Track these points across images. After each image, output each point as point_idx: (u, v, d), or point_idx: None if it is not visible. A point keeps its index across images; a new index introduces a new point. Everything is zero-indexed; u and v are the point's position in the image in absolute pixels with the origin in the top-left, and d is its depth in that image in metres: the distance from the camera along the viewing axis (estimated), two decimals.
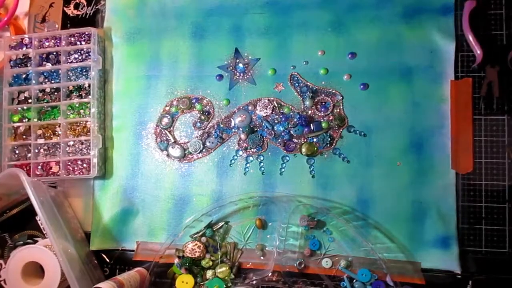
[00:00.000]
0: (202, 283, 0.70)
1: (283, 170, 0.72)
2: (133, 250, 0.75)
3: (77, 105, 0.76)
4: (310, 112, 0.72)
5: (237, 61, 0.75)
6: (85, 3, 0.81)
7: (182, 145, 0.75)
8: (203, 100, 0.75)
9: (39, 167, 0.75)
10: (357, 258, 0.68)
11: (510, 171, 0.67)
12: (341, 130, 0.71)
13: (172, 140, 0.76)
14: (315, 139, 0.71)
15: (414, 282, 0.66)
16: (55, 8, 0.82)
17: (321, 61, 0.72)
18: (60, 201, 0.75)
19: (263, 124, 0.73)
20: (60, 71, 0.76)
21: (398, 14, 0.71)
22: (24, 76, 0.78)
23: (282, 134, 0.72)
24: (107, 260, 0.76)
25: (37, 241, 0.75)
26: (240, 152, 0.73)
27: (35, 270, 0.71)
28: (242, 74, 0.75)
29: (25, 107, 0.77)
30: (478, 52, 0.67)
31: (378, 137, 0.70)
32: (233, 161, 0.73)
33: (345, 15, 0.72)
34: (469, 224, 0.67)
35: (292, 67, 0.73)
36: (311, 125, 0.72)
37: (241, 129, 0.73)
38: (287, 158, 0.72)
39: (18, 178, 0.67)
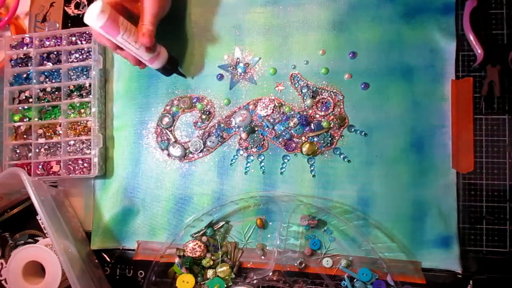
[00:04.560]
0: (202, 283, 0.70)
1: (283, 169, 0.72)
2: (133, 250, 0.75)
3: (77, 105, 0.76)
4: (310, 111, 0.72)
5: (238, 60, 0.75)
6: (85, 2, 0.81)
7: (183, 144, 0.75)
8: (204, 100, 0.75)
9: (40, 166, 0.75)
10: (357, 258, 0.68)
11: (511, 171, 0.67)
12: (341, 129, 0.71)
13: (173, 140, 0.76)
14: (315, 139, 0.71)
15: (414, 281, 0.66)
16: (55, 8, 0.82)
17: (322, 61, 0.72)
18: (61, 201, 0.75)
19: (264, 123, 0.73)
20: (60, 70, 0.76)
21: (399, 13, 0.71)
22: (24, 75, 0.78)
23: (283, 133, 0.72)
24: (108, 259, 0.76)
25: (37, 241, 0.75)
26: (241, 152, 0.73)
27: (36, 270, 0.71)
28: (242, 74, 0.75)
29: (25, 107, 0.77)
30: (479, 51, 0.67)
31: (379, 137, 0.70)
32: (233, 160, 0.73)
33: (346, 15, 0.72)
34: (469, 224, 0.67)
35: (292, 67, 0.73)
36: (312, 124, 0.72)
37: (241, 129, 0.73)
38: (288, 157, 0.72)
39: (18, 177, 0.67)
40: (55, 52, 0.77)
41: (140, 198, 0.75)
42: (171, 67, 0.72)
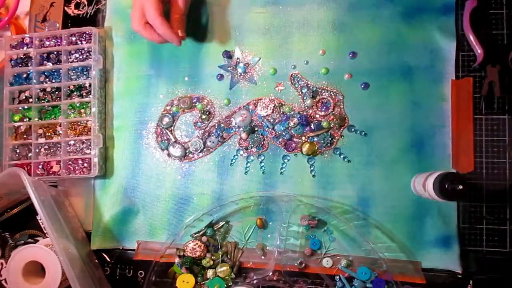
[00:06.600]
0: (202, 283, 0.70)
1: (283, 169, 0.72)
2: (133, 250, 0.75)
3: (78, 105, 0.76)
4: (310, 111, 0.72)
5: (238, 60, 0.75)
6: (86, 2, 0.81)
7: (183, 144, 0.75)
8: (204, 100, 0.75)
9: (40, 166, 0.75)
10: (357, 258, 0.68)
11: (511, 171, 0.67)
12: (341, 129, 0.71)
13: (173, 140, 0.76)
14: (315, 139, 0.71)
15: (414, 281, 0.66)
16: (56, 8, 0.82)
17: (322, 61, 0.72)
18: (61, 201, 0.75)
19: (264, 123, 0.73)
20: (61, 70, 0.76)
21: (399, 13, 0.71)
22: (25, 75, 0.78)
23: (283, 133, 0.72)
24: (108, 259, 0.76)
25: (38, 241, 0.75)
26: (241, 152, 0.73)
27: (36, 270, 0.71)
28: (242, 74, 0.75)
29: (26, 107, 0.77)
30: (479, 51, 0.67)
31: (379, 137, 0.70)
32: (233, 160, 0.73)
33: (346, 15, 0.72)
34: (469, 224, 0.67)
35: (292, 67, 0.73)
36: (312, 124, 0.72)
37: (241, 129, 0.73)
38: (288, 157, 0.72)
39: (19, 177, 0.67)
40: (55, 52, 0.77)
41: (140, 198, 0.75)
42: None
